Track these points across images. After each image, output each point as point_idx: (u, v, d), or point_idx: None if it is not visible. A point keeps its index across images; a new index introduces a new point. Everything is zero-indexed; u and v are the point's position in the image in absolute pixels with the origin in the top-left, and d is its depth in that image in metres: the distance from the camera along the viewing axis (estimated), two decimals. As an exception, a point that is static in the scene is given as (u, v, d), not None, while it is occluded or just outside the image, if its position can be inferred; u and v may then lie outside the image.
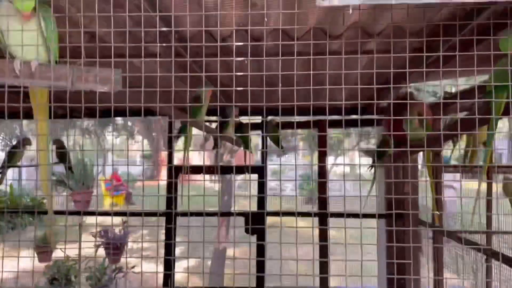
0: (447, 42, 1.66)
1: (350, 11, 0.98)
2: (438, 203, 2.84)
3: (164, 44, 1.65)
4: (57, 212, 3.65)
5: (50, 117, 1.63)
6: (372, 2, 0.93)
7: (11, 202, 10.02)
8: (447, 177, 3.37)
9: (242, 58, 1.58)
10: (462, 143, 2.77)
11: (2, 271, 1.90)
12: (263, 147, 3.76)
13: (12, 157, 3.23)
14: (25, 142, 3.32)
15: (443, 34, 1.51)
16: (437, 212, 2.58)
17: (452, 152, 3.08)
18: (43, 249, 6.44)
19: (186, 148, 2.64)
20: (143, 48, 1.60)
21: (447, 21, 1.64)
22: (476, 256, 2.86)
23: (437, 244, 2.88)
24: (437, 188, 2.86)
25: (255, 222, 3.40)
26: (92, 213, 4.44)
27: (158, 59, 1.66)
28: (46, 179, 1.61)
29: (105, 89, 1.16)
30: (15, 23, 1.23)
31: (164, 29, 1.67)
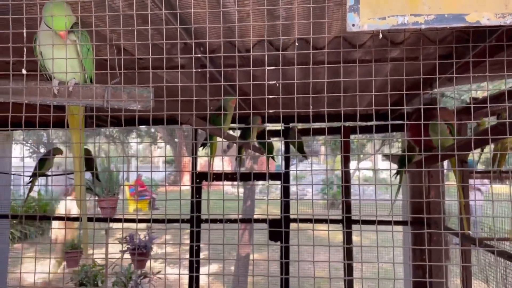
0: (474, 48, 1.65)
1: (380, 36, 0.99)
2: (466, 208, 2.79)
3: (194, 55, 1.69)
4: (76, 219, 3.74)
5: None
6: (401, 27, 0.95)
7: (40, 208, 10.29)
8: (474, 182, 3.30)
9: (273, 82, 1.60)
10: (489, 148, 2.72)
11: (35, 274, 1.97)
12: (285, 153, 3.77)
13: (43, 165, 3.33)
14: (56, 152, 3.42)
15: (468, 41, 1.50)
16: (465, 216, 2.53)
17: (479, 156, 3.03)
18: (71, 254, 6.61)
19: (211, 157, 2.67)
20: (165, 60, 1.64)
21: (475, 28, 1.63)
22: (506, 264, 2.79)
23: (464, 251, 2.83)
24: (465, 193, 2.81)
25: (279, 228, 3.41)
26: (118, 220, 4.54)
27: (179, 69, 1.70)
28: (80, 186, 1.66)
29: (139, 107, 1.21)
30: (53, 45, 1.29)
31: (187, 41, 1.71)
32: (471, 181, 3.01)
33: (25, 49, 1.22)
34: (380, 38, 1.02)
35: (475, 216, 3.65)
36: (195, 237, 3.62)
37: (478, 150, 2.79)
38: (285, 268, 3.49)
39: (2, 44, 1.31)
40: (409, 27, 0.95)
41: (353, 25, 0.96)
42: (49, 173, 3.48)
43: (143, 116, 1.43)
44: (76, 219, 3.74)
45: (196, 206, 3.69)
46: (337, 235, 3.50)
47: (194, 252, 3.56)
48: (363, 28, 0.96)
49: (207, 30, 1.74)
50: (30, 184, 3.44)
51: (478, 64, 1.75)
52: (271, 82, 1.37)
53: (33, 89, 1.28)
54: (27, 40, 1.30)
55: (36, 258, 2.05)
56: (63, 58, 1.28)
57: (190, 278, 3.60)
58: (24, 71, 1.24)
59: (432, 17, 0.95)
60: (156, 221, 3.50)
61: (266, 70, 1.28)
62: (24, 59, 1.22)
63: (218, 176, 3.73)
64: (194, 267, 3.58)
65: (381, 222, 2.88)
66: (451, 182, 2.59)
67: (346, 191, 3.74)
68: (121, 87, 1.22)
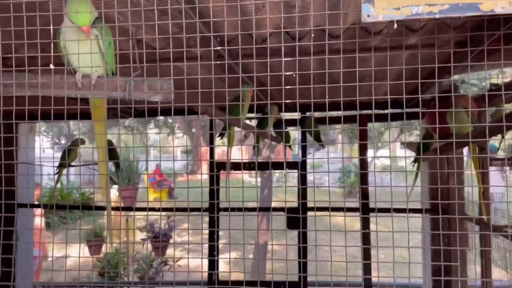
0: (492, 35, 1.63)
1: (395, 26, 1.01)
2: (485, 196, 2.77)
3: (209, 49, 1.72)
4: (103, 208, 3.84)
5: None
6: (416, 17, 0.96)
7: (62, 197, 10.56)
8: (494, 170, 3.27)
9: (290, 73, 1.62)
10: (510, 134, 2.68)
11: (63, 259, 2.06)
12: (302, 142, 3.79)
13: (68, 156, 3.42)
14: (78, 142, 3.51)
15: (487, 28, 1.49)
16: (484, 202, 2.52)
17: (500, 143, 2.99)
18: (94, 242, 6.80)
19: (229, 146, 2.72)
20: (185, 52, 1.67)
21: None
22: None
23: (484, 238, 2.82)
24: (484, 180, 2.79)
25: (296, 217, 3.44)
26: (139, 209, 4.66)
27: (199, 62, 1.74)
28: (105, 176, 1.73)
29: (160, 99, 1.25)
30: (76, 39, 1.35)
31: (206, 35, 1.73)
32: (491, 168, 2.98)
33: (52, 45, 1.27)
34: (395, 27, 1.03)
35: (494, 202, 3.62)
36: (215, 226, 3.68)
37: (499, 136, 2.76)
38: (302, 255, 3.53)
39: (29, 40, 1.37)
40: (423, 17, 0.96)
41: (368, 15, 0.98)
42: (75, 164, 3.57)
43: (162, 107, 1.47)
44: (102, 208, 3.84)
45: (214, 195, 3.75)
46: (356, 223, 3.52)
47: (216, 238, 3.63)
48: (378, 18, 0.98)
49: (225, 23, 1.77)
50: (57, 175, 3.54)
51: (495, 51, 1.74)
52: (287, 73, 1.39)
53: (58, 82, 1.33)
54: (45, 33, 1.36)
55: (66, 244, 2.13)
56: (87, 53, 1.33)
57: (210, 264, 3.67)
58: (52, 66, 1.30)
59: (446, 6, 0.95)
60: (176, 210, 3.57)
61: (283, 61, 1.30)
62: (52, 54, 1.27)
63: (235, 166, 3.77)
64: (213, 255, 3.65)
65: (400, 210, 2.89)
66: (470, 169, 2.57)
67: (363, 179, 3.75)
68: (142, 79, 1.27)
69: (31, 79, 1.29)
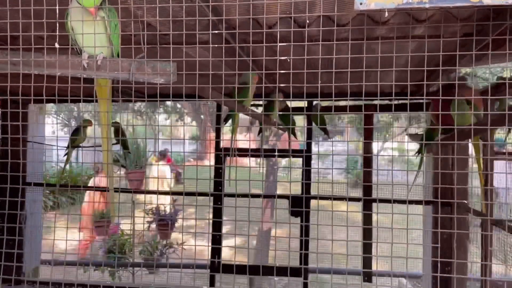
0: (499, 27, 1.62)
1: (386, 14, 1.01)
2: (488, 192, 2.76)
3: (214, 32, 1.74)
4: (115, 190, 3.89)
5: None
6: (406, 6, 0.97)
7: (71, 179, 10.71)
8: (499, 164, 3.25)
9: (285, 58, 1.63)
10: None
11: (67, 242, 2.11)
12: (308, 132, 3.80)
13: (76, 138, 3.48)
14: (86, 123, 3.56)
15: (493, 19, 1.48)
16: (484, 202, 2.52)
17: (507, 135, 2.97)
18: (100, 223, 6.91)
19: (233, 133, 2.74)
20: (197, 36, 1.68)
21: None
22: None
23: (485, 232, 2.82)
24: (488, 176, 2.78)
25: (299, 205, 3.47)
26: (148, 192, 4.72)
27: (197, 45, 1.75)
28: (107, 152, 1.76)
29: (162, 81, 1.28)
30: (83, 21, 1.37)
31: (207, 18, 1.74)
32: (496, 162, 2.97)
33: (57, 25, 1.30)
34: (386, 15, 1.03)
35: (498, 199, 3.61)
36: (218, 212, 3.73)
37: (505, 129, 2.74)
38: (304, 244, 3.57)
39: (36, 20, 1.40)
40: (413, 6, 0.97)
41: (361, 3, 0.99)
42: (83, 146, 3.62)
43: (173, 91, 1.50)
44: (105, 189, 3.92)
45: (218, 181, 3.79)
46: (359, 214, 3.56)
47: (220, 223, 3.68)
48: (370, 6, 0.99)
49: (237, 8, 1.77)
50: (66, 156, 3.61)
51: (503, 44, 1.72)
52: (282, 58, 1.40)
53: (65, 62, 1.36)
54: (58, 15, 1.38)
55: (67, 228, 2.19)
56: (92, 33, 1.36)
57: (213, 249, 3.73)
58: (57, 45, 1.33)
59: None
60: (181, 194, 3.62)
61: (292, 47, 1.31)
62: (57, 33, 1.30)
63: (240, 152, 3.80)
64: (217, 239, 3.70)
65: (402, 202, 2.91)
66: (475, 165, 2.57)
67: (367, 171, 3.75)
68: (145, 61, 1.30)
69: (38, 58, 1.32)
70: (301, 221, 3.48)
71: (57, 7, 1.30)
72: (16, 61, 1.32)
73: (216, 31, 1.62)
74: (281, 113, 3.28)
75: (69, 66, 1.33)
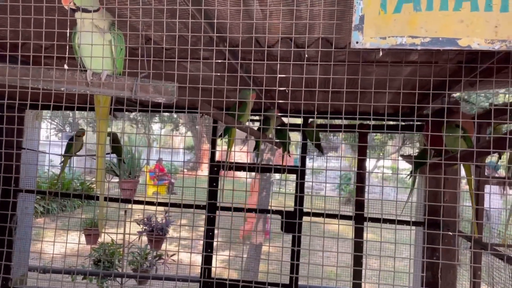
0: (491, 58, 1.67)
1: (380, 53, 1.06)
2: (478, 215, 2.80)
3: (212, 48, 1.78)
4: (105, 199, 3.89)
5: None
6: (399, 47, 1.02)
7: (63, 185, 10.63)
8: (491, 188, 3.30)
9: (283, 89, 1.67)
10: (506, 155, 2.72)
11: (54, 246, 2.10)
12: (303, 148, 3.84)
13: (71, 147, 3.50)
14: (79, 133, 3.57)
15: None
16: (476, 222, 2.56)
17: (497, 160, 3.02)
18: (91, 232, 6.86)
19: (229, 147, 2.76)
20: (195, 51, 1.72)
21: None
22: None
23: (474, 255, 2.85)
24: (479, 198, 2.82)
25: (292, 220, 3.48)
26: (137, 202, 4.71)
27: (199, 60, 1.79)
28: (101, 171, 1.78)
29: (164, 100, 1.31)
30: (89, 39, 1.41)
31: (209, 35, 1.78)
32: (487, 187, 3.01)
33: (67, 47, 1.33)
34: (380, 54, 1.09)
35: (488, 222, 3.65)
36: (211, 224, 3.73)
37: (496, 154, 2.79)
38: (296, 259, 3.57)
39: (47, 42, 1.43)
40: (406, 47, 1.03)
41: (357, 42, 1.05)
42: (79, 154, 3.64)
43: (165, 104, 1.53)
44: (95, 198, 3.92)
45: (212, 193, 3.80)
46: (351, 231, 3.58)
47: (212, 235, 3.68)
48: (365, 45, 1.05)
49: (240, 27, 1.82)
50: (62, 164, 3.62)
51: (502, 69, 1.78)
52: (281, 89, 1.44)
53: (71, 78, 1.40)
54: (59, 25, 1.42)
55: (56, 231, 2.18)
56: (100, 56, 1.39)
57: (204, 261, 3.72)
58: (66, 67, 1.37)
59: (427, 39, 1.02)
60: (173, 205, 3.63)
61: (291, 65, 1.35)
62: (66, 55, 1.34)
63: (236, 166, 3.82)
64: (208, 253, 3.70)
65: (393, 222, 2.93)
66: (466, 187, 2.61)
67: (360, 188, 3.79)
68: (148, 81, 1.33)
69: (46, 74, 1.35)
70: (293, 238, 3.49)
71: (68, 30, 1.34)
72: (24, 75, 1.36)
73: (211, 47, 1.66)
74: (278, 127, 3.31)
75: (76, 83, 1.37)
